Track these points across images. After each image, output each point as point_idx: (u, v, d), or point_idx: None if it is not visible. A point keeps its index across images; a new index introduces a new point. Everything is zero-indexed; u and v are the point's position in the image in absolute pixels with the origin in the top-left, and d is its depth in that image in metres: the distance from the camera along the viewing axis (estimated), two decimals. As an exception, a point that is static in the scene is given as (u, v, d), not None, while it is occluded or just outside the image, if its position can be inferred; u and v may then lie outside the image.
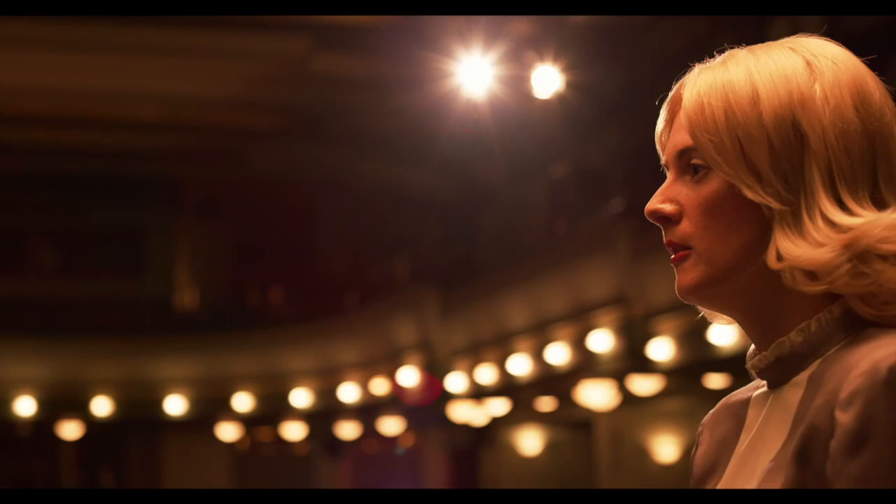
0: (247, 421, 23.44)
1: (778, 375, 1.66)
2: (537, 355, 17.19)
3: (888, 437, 1.46)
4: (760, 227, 1.63)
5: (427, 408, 20.15)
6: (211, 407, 22.83)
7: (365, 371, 21.28)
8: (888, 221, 1.57)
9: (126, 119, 21.95)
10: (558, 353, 16.66)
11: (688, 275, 1.68)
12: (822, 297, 1.62)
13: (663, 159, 1.72)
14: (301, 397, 22.27)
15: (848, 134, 1.60)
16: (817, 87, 1.62)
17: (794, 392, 1.63)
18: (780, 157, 1.61)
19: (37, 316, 23.53)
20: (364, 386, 21.31)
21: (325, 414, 22.68)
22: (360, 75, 19.58)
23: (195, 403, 22.64)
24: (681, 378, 15.95)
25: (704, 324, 13.15)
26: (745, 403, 1.76)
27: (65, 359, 22.32)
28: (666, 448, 17.69)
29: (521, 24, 15.64)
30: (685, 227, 1.67)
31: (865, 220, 1.58)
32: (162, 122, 22.16)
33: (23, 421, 22.53)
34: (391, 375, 20.28)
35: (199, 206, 26.39)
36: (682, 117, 1.68)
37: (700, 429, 1.83)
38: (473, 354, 19.05)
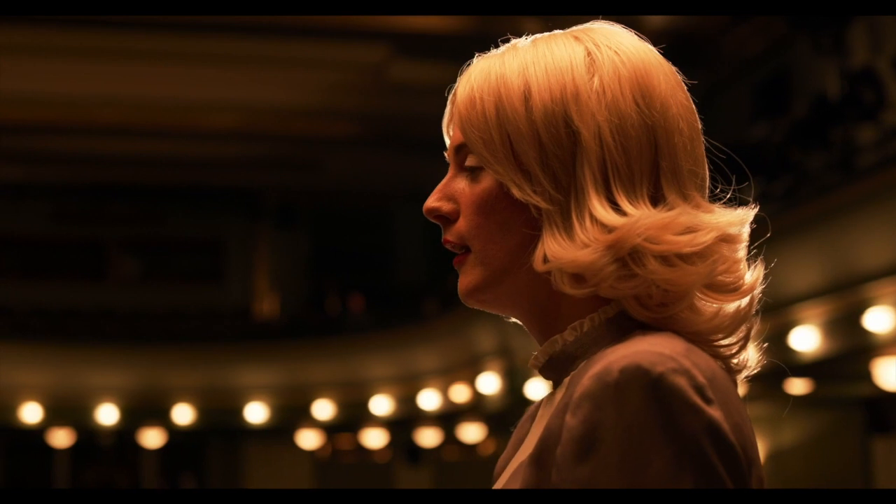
0: (327, 428, 23.48)
1: (555, 375, 1.59)
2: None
3: (615, 444, 1.38)
4: (533, 227, 1.54)
5: (507, 414, 20.09)
6: (291, 415, 22.88)
7: (445, 378, 21.24)
8: (656, 220, 1.48)
9: (205, 129, 22.12)
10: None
11: (465, 278, 1.63)
12: (600, 297, 1.52)
13: (447, 154, 1.65)
14: (381, 404, 22.24)
15: (625, 130, 1.51)
16: (595, 80, 1.53)
17: (560, 393, 1.55)
18: (550, 155, 1.52)
19: (118, 324, 23.72)
20: (444, 393, 21.27)
21: (405, 421, 22.67)
22: (437, 82, 19.55)
23: (275, 411, 22.70)
24: (762, 383, 15.80)
25: (785, 329, 13.03)
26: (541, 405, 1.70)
27: (146, 367, 22.44)
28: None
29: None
30: (461, 226, 1.61)
31: (630, 219, 1.48)
32: (240, 132, 22.31)
33: (105, 430, 22.68)
34: (471, 382, 20.23)
35: (278, 215, 26.56)
36: (454, 111, 1.62)
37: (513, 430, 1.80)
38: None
